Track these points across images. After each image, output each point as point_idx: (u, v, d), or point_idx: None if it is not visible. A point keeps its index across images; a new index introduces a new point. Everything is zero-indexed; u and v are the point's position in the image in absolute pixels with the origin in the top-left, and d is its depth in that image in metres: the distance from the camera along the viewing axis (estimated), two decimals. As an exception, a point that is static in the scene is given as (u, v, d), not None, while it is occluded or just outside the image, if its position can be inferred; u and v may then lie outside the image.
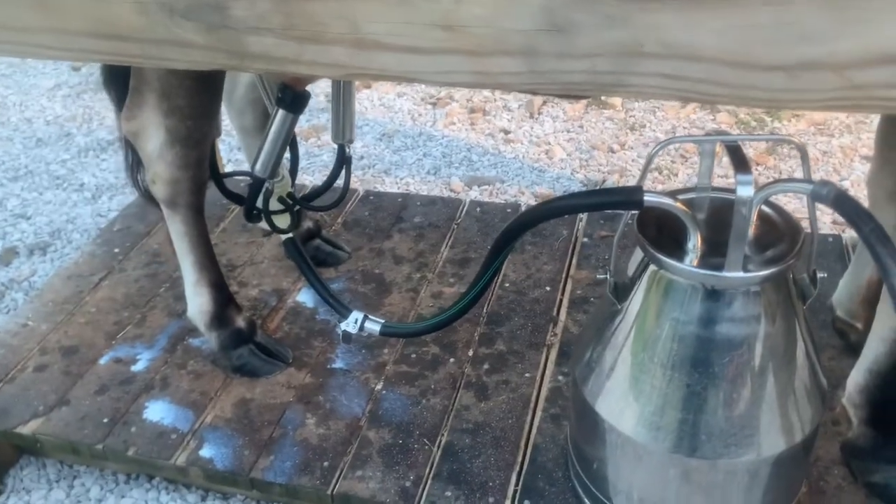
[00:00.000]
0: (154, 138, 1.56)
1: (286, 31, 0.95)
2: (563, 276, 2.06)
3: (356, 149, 3.25)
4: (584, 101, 3.39)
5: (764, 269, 1.10)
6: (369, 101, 3.64)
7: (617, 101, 3.39)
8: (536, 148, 3.18)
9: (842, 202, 1.02)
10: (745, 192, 1.01)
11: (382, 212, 2.38)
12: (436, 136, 3.35)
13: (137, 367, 1.84)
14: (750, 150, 2.97)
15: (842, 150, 2.94)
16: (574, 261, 2.11)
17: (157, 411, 1.72)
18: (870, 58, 0.77)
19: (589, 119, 3.31)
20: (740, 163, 1.04)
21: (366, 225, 2.32)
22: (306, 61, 0.98)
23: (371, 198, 2.47)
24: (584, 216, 2.27)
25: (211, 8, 0.96)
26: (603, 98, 3.38)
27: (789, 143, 1.16)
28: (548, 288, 2.02)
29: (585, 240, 2.19)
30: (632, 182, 2.89)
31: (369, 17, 0.91)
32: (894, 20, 0.73)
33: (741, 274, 1.07)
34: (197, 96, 1.50)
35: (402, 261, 2.16)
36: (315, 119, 3.43)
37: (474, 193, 2.92)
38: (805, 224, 1.19)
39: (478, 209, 2.39)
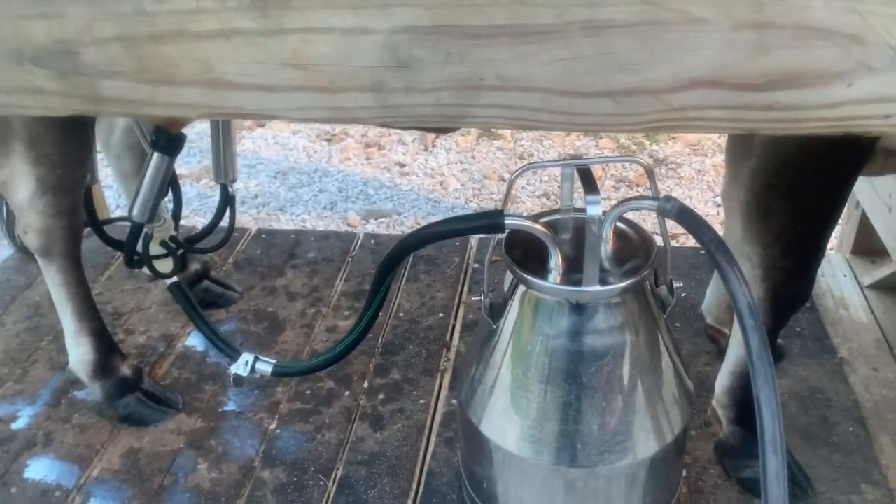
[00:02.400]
0: (23, 188, 1.52)
1: (138, 73, 0.96)
2: (456, 301, 2.11)
3: (251, 188, 3.24)
4: (475, 133, 3.49)
5: (621, 282, 1.17)
6: (263, 140, 3.64)
7: (506, 131, 3.51)
8: (431, 179, 3.25)
9: (684, 215, 1.10)
10: (594, 210, 1.08)
11: (275, 249, 2.38)
12: (331, 171, 3.38)
13: (18, 424, 1.76)
14: (631, 173, 3.12)
15: (714, 168, 3.14)
16: (466, 286, 2.16)
17: (40, 469, 1.65)
18: (680, 83, 0.85)
19: (480, 150, 3.41)
20: (589, 184, 1.11)
21: (258, 263, 2.31)
22: (162, 103, 0.99)
23: (263, 236, 2.46)
24: (474, 243, 2.33)
25: (61, 54, 0.96)
26: (493, 129, 3.49)
27: (639, 164, 1.24)
28: (441, 314, 2.06)
29: (476, 265, 2.25)
30: (523, 209, 2.99)
31: (220, 58, 0.93)
32: (694, 50, 0.81)
33: (598, 287, 1.14)
34: (66, 143, 1.47)
35: (295, 297, 2.16)
36: (206, 160, 3.39)
37: (371, 227, 2.95)
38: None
39: (372, 241, 2.42)
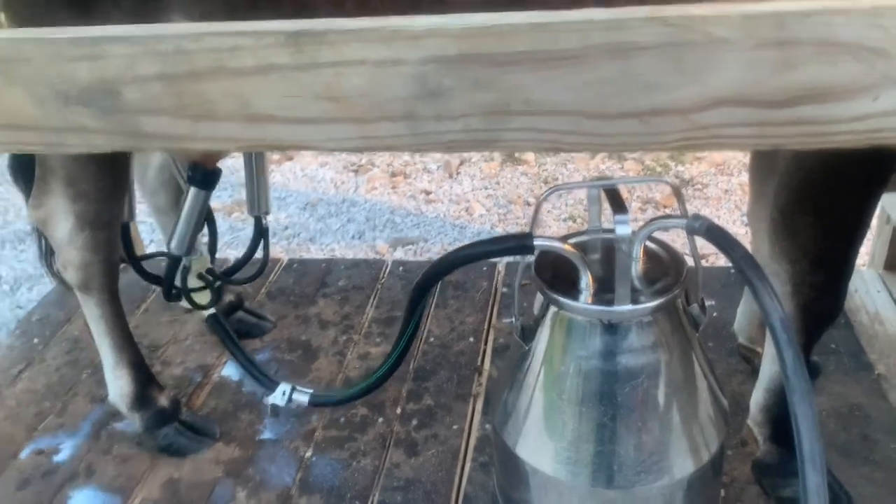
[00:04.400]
0: (63, 224, 1.57)
1: (179, 110, 1.00)
2: (486, 326, 2.12)
3: (281, 219, 3.29)
4: (499, 158, 3.52)
5: (652, 301, 1.17)
6: (292, 173, 3.70)
7: (530, 156, 3.54)
8: (456, 206, 3.28)
9: (713, 233, 1.11)
10: (624, 230, 1.09)
11: (307, 278, 2.41)
12: (359, 201, 3.42)
13: (60, 456, 1.80)
14: (657, 195, 3.12)
15: (741, 187, 3.13)
16: (495, 310, 2.17)
17: (83, 500, 1.68)
18: (706, 102, 0.86)
19: (505, 175, 3.44)
20: (618, 204, 1.13)
21: (290, 293, 2.34)
22: (202, 137, 1.02)
23: (295, 266, 2.49)
24: (502, 268, 2.34)
25: (104, 93, 1.00)
26: (516, 154, 3.52)
27: (666, 184, 1.25)
28: (471, 339, 2.07)
29: (504, 289, 2.26)
30: (550, 232, 3.00)
31: (257, 93, 0.96)
32: (718, 69, 0.82)
33: (630, 307, 1.14)
34: (102, 180, 1.52)
35: (327, 325, 2.18)
36: (237, 194, 3.45)
37: (399, 254, 2.98)
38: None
39: (400, 268, 2.44)
